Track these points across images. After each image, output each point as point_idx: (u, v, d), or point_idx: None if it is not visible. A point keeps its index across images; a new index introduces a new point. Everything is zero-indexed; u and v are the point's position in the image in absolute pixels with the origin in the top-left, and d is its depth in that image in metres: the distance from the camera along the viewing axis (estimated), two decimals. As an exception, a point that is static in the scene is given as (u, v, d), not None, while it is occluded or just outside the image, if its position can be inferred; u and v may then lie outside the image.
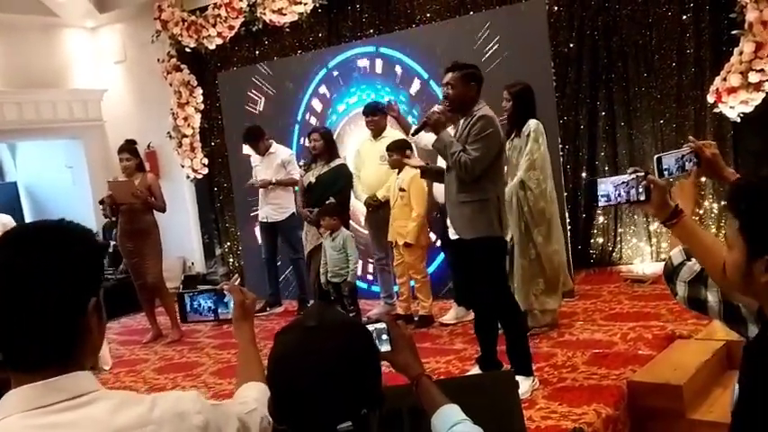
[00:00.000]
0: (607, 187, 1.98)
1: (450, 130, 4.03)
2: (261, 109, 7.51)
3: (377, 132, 5.95)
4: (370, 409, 1.26)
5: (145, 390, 4.96)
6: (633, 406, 3.78)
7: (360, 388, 1.25)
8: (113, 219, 6.41)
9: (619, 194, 1.96)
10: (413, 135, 4.41)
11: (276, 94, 7.44)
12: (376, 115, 5.89)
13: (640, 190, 1.93)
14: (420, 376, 1.63)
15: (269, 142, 6.75)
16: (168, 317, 6.41)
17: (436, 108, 3.97)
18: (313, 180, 5.97)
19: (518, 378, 3.78)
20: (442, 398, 1.60)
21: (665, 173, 2.17)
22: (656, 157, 2.19)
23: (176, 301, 1.96)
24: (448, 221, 4.19)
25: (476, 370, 4.18)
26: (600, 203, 2.03)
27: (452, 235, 4.16)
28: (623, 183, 1.95)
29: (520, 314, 4.17)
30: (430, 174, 4.48)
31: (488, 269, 3.94)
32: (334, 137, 6.54)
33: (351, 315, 5.67)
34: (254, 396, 1.57)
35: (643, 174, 1.94)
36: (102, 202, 6.37)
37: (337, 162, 5.98)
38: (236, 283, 1.88)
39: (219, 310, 1.85)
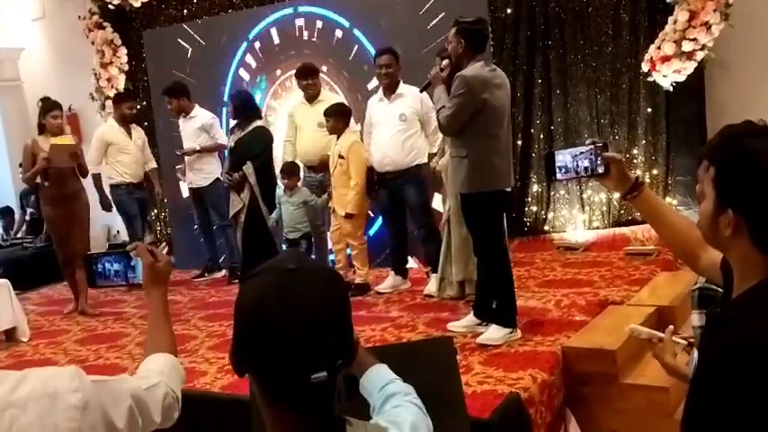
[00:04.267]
0: (565, 158, 1.86)
1: None
2: (188, 70, 7.21)
3: (312, 96, 5.77)
4: (344, 362, 1.17)
5: (65, 362, 4.73)
6: (568, 371, 3.78)
7: (338, 336, 1.16)
8: (45, 183, 5.87)
9: (577, 166, 1.85)
10: (420, 92, 4.75)
11: (204, 56, 7.16)
12: (313, 77, 5.70)
13: (599, 162, 1.83)
14: None
15: (190, 105, 6.51)
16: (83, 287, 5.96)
17: (443, 63, 4.12)
18: (233, 144, 5.76)
19: (493, 327, 4.02)
20: (370, 359, 1.54)
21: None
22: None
23: (84, 265, 1.79)
24: None
25: (470, 318, 4.27)
26: (558, 176, 1.89)
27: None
28: (581, 153, 1.84)
29: (507, 266, 4.17)
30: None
31: (478, 222, 4.07)
32: (266, 99, 6.31)
33: None
34: (158, 369, 1.43)
35: (602, 144, 1.84)
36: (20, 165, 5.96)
37: (255, 125, 5.71)
38: (164, 248, 1.72)
39: (129, 274, 1.69)
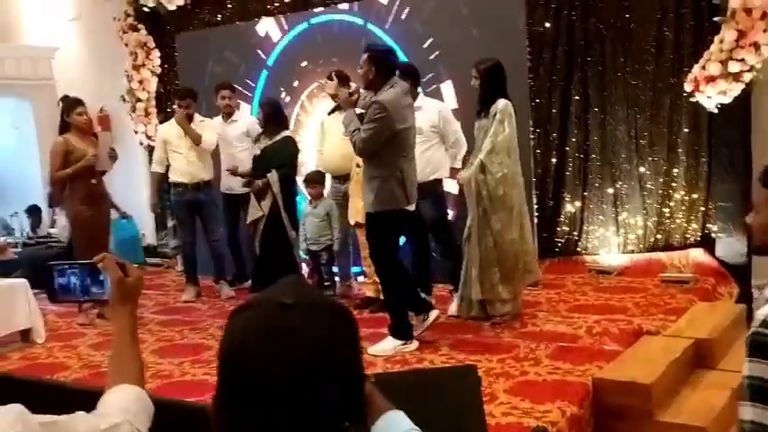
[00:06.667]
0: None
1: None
2: (220, 76, 7.12)
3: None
4: (353, 422, 0.94)
5: (78, 366, 4.62)
6: (598, 404, 3.57)
7: (344, 391, 0.93)
8: (93, 181, 5.60)
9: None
10: (328, 114, 5.11)
11: (237, 61, 7.07)
12: (343, 84, 5.53)
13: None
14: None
15: (235, 106, 6.35)
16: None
17: (353, 87, 4.44)
18: (258, 152, 5.63)
19: (388, 338, 4.32)
20: (384, 403, 1.33)
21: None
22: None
23: (44, 276, 1.54)
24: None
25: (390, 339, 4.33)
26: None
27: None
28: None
29: (401, 282, 4.39)
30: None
31: (385, 239, 4.29)
32: (297, 107, 6.18)
33: (325, 284, 5.66)
34: (121, 405, 1.26)
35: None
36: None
37: (282, 135, 5.55)
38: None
39: (92, 290, 1.48)
